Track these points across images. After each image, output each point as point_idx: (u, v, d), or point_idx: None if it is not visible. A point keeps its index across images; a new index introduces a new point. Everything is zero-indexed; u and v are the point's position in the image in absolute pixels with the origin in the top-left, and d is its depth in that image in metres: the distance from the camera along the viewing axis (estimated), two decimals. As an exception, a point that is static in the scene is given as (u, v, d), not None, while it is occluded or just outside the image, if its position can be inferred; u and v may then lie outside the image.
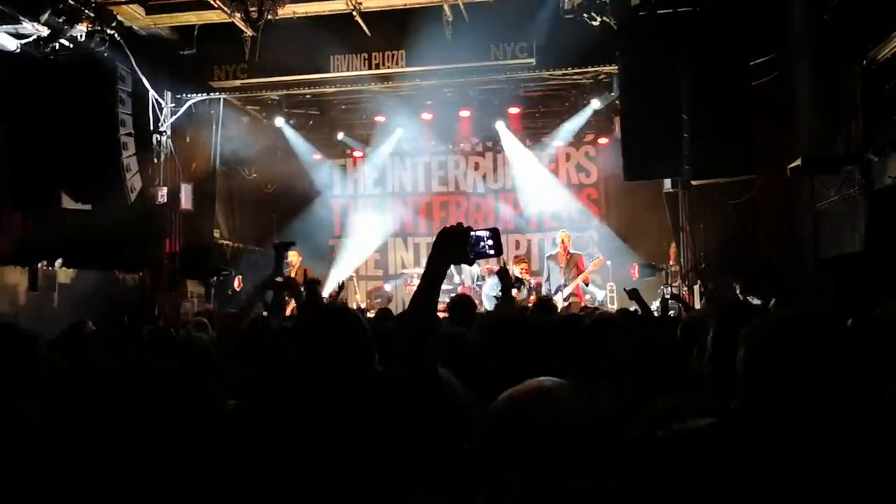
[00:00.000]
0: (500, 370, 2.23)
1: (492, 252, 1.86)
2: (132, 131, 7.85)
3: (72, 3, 7.18)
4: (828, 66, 6.50)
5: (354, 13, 7.95)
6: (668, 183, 9.28)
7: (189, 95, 9.41)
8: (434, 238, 1.89)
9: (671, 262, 9.69)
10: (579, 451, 1.36)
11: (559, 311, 8.20)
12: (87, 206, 7.68)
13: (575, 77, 9.85)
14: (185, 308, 8.92)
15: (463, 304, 4.54)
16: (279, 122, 11.08)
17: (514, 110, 11.04)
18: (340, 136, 12.16)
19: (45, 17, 6.90)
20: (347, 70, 9.03)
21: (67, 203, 7.54)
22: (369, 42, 8.70)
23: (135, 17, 8.06)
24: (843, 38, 6.39)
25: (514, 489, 1.34)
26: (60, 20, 7.08)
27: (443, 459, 1.39)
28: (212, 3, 7.48)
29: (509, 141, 11.80)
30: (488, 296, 9.25)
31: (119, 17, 7.90)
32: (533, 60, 8.55)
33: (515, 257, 10.23)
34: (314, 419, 1.68)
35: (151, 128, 9.05)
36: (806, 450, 1.31)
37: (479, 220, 12.37)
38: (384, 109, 11.14)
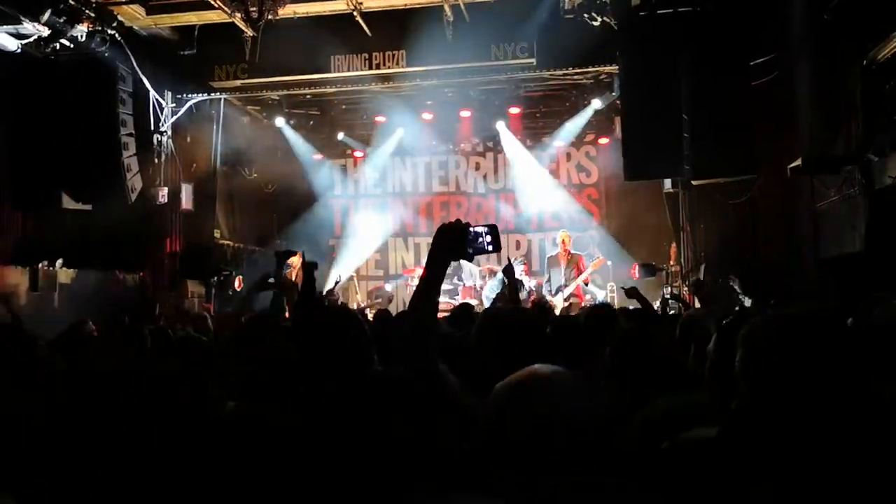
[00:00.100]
0: (499, 370, 2.23)
1: (490, 248, 1.86)
2: (133, 131, 7.85)
3: (72, 3, 7.18)
4: (828, 66, 6.49)
5: (355, 13, 7.95)
6: (668, 183, 9.28)
7: (189, 95, 9.41)
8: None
9: (671, 262, 9.69)
10: (579, 449, 1.37)
11: (560, 311, 8.22)
12: (88, 207, 7.69)
13: (575, 77, 9.86)
14: (185, 307, 8.91)
15: (464, 313, 4.60)
16: (280, 122, 11.09)
17: (514, 110, 11.04)
18: (341, 136, 12.16)
19: (45, 17, 6.90)
20: (348, 70, 9.03)
21: (68, 203, 7.54)
22: (370, 42, 8.70)
23: (135, 17, 8.06)
24: (843, 38, 6.39)
25: (514, 489, 1.34)
26: (61, 20, 7.08)
27: (443, 459, 1.39)
28: (212, 3, 7.48)
29: (510, 141, 11.79)
30: (488, 297, 9.25)
31: (119, 18, 7.90)
32: (533, 60, 8.55)
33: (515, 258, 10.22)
34: (314, 419, 1.68)
35: (152, 128, 9.06)
36: (806, 450, 1.31)
37: (480, 220, 12.03)
38: (385, 109, 11.14)
